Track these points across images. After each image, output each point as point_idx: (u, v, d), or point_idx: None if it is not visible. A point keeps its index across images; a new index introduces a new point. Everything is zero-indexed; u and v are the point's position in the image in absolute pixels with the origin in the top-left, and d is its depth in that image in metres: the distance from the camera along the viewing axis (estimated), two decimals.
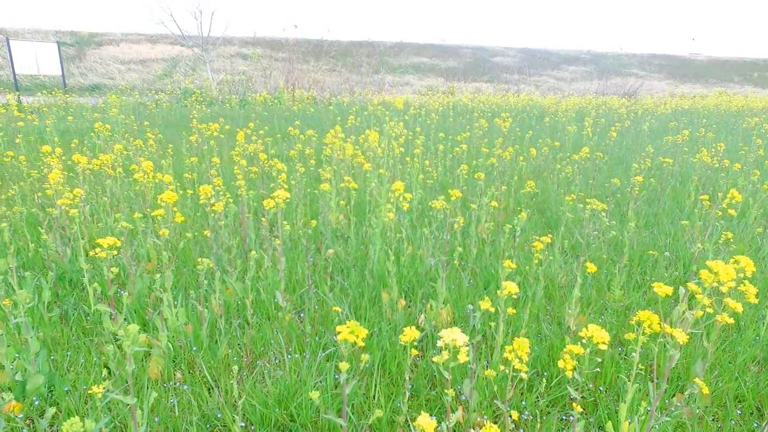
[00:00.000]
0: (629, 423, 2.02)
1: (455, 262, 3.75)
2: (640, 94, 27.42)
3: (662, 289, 1.68)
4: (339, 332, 1.22)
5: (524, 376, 1.54)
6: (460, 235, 4.32)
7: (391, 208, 3.49)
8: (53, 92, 16.19)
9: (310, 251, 3.39)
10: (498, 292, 2.20)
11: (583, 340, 1.65)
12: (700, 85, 39.43)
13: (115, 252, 2.52)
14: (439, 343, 1.35)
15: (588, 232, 3.28)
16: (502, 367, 1.64)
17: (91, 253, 2.59)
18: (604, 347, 1.62)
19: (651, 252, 3.80)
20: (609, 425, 2.01)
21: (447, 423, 1.48)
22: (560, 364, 1.69)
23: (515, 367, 1.52)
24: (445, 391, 1.49)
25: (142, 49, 34.86)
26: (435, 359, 1.41)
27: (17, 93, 14.90)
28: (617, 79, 34.38)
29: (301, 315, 3.07)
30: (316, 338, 2.78)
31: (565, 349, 1.70)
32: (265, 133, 8.48)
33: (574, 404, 1.71)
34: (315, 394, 1.31)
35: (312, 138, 6.75)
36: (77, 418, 1.14)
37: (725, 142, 8.23)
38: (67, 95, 16.19)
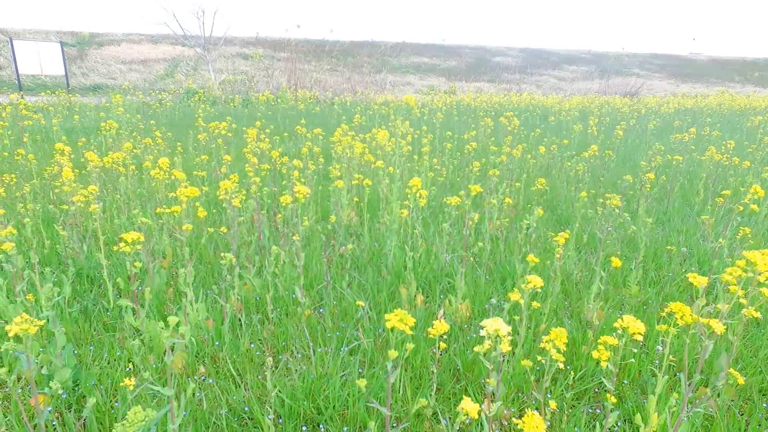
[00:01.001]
0: (658, 415, 2.03)
1: (470, 258, 3.76)
2: (642, 94, 27.44)
3: (697, 280, 1.69)
4: (388, 320, 1.22)
5: (561, 366, 1.55)
6: (473, 232, 4.33)
7: (408, 204, 3.50)
8: (56, 92, 16.20)
9: (328, 247, 3.40)
10: (522, 285, 2.20)
11: (618, 331, 1.66)
12: (700, 85, 39.45)
13: (139, 247, 2.53)
14: (482, 333, 1.36)
15: (604, 228, 3.29)
16: (538, 358, 1.64)
17: (115, 248, 2.59)
18: (639, 338, 1.63)
19: (669, 247, 3.81)
20: (638, 417, 2.02)
21: (487, 412, 1.48)
22: (594, 354, 1.70)
23: (552, 357, 1.53)
24: (487, 380, 1.50)
25: (144, 49, 34.87)
26: (476, 349, 1.42)
27: (21, 93, 14.91)
28: (618, 79, 34.41)
29: (320, 310, 3.08)
30: (337, 333, 2.78)
31: (600, 340, 1.70)
32: (271, 132, 8.49)
33: (608, 395, 1.71)
34: (362, 382, 1.31)
35: (319, 136, 6.76)
36: (139, 407, 1.14)
37: (732, 141, 8.24)
38: (70, 95, 16.20)
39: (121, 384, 1.80)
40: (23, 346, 1.42)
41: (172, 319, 1.58)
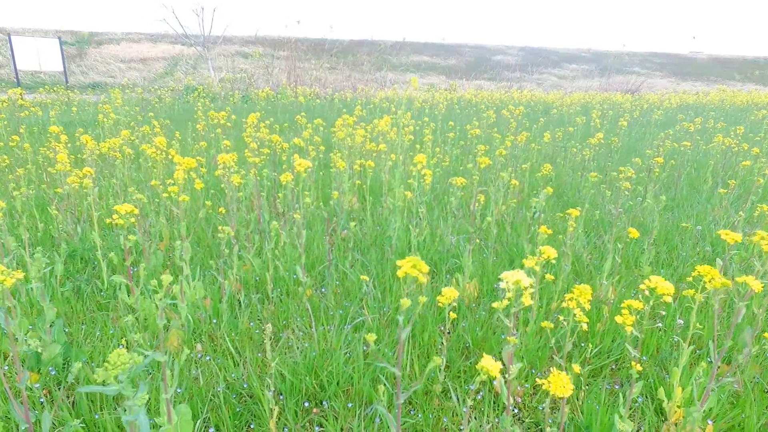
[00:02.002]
0: (682, 389, 1.92)
1: (477, 240, 3.64)
2: (642, 91, 27.34)
3: (730, 236, 1.58)
4: (399, 267, 1.11)
5: (585, 327, 1.43)
6: (479, 216, 4.22)
7: (413, 183, 3.39)
8: (55, 89, 16.05)
9: (331, 224, 3.29)
10: (535, 257, 2.09)
11: (645, 292, 1.55)
12: (701, 83, 39.33)
13: (133, 220, 2.42)
14: (502, 285, 1.24)
15: (617, 204, 3.18)
16: (560, 318, 1.53)
17: (108, 221, 2.48)
18: (669, 299, 1.51)
19: (684, 225, 3.69)
20: (661, 391, 1.90)
21: (507, 375, 1.37)
22: (618, 319, 1.58)
23: (576, 317, 1.41)
24: (507, 338, 1.38)
25: (143, 48, 34.78)
26: (495, 305, 1.30)
27: (20, 89, 14.77)
28: (619, 77, 34.32)
29: (323, 290, 2.96)
30: (340, 312, 2.67)
31: (623, 303, 1.59)
32: (271, 123, 8.38)
33: (633, 363, 1.59)
34: (372, 337, 1.20)
35: (320, 127, 6.65)
36: (124, 349, 1.03)
37: (741, 127, 8.13)
38: (68, 91, 16.07)
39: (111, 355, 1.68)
40: (1, 301, 1.31)
41: (166, 278, 1.46)
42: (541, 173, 4.99)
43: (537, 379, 1.29)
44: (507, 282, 1.25)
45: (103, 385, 1.05)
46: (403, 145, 5.74)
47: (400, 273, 1.13)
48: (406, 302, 1.12)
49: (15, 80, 18.09)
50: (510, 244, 3.65)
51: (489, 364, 1.13)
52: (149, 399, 1.96)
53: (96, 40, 35.17)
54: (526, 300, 1.26)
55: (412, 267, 1.11)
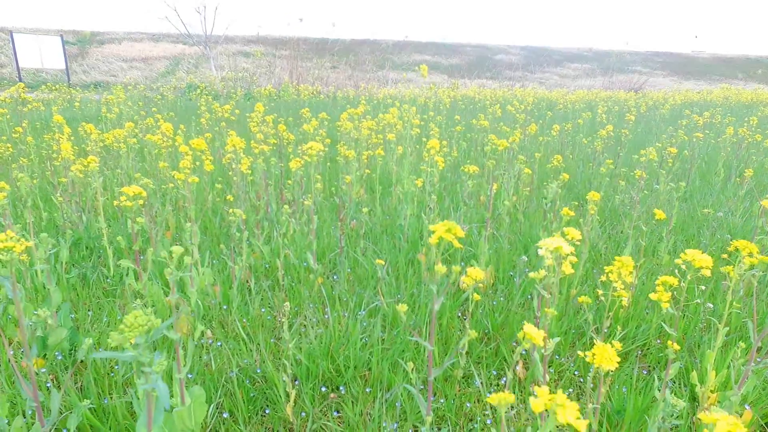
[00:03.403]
0: (716, 373, 1.84)
1: (491, 231, 3.57)
2: (645, 90, 27.23)
3: None
4: (434, 231, 1.03)
5: (625, 303, 1.36)
6: (491, 204, 4.14)
7: (426, 169, 3.31)
8: (57, 87, 15.99)
9: (343, 209, 3.21)
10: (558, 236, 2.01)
11: (682, 266, 1.47)
12: (704, 82, 39.18)
13: (141, 202, 2.35)
14: (541, 252, 1.17)
15: (634, 193, 3.10)
16: (599, 292, 1.45)
17: (115, 203, 2.41)
18: (707, 273, 1.44)
19: (706, 210, 3.61)
20: (693, 375, 1.82)
21: (543, 351, 1.30)
22: (652, 296, 1.51)
23: (618, 291, 1.34)
24: (545, 310, 1.31)
25: (145, 47, 34.77)
26: (532, 275, 1.22)
27: (22, 84, 14.69)
28: (621, 76, 34.23)
29: (334, 277, 2.89)
30: (354, 298, 2.59)
31: (658, 280, 1.51)
32: (275, 120, 8.30)
33: (669, 342, 1.52)
34: (403, 307, 1.12)
35: (324, 121, 6.57)
36: (139, 311, 0.96)
37: (751, 124, 8.04)
38: (70, 89, 16.01)
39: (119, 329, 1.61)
40: (6, 271, 1.23)
41: (177, 249, 1.39)
42: (551, 165, 4.91)
43: (579, 352, 1.22)
44: (546, 249, 1.17)
45: (118, 350, 0.97)
46: (411, 138, 5.66)
47: (433, 239, 1.05)
48: (441, 269, 1.04)
49: (17, 78, 18.05)
50: (524, 234, 3.57)
51: (533, 331, 1.05)
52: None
53: (98, 39, 35.17)
54: (567, 268, 1.18)
55: (446, 231, 1.03)
